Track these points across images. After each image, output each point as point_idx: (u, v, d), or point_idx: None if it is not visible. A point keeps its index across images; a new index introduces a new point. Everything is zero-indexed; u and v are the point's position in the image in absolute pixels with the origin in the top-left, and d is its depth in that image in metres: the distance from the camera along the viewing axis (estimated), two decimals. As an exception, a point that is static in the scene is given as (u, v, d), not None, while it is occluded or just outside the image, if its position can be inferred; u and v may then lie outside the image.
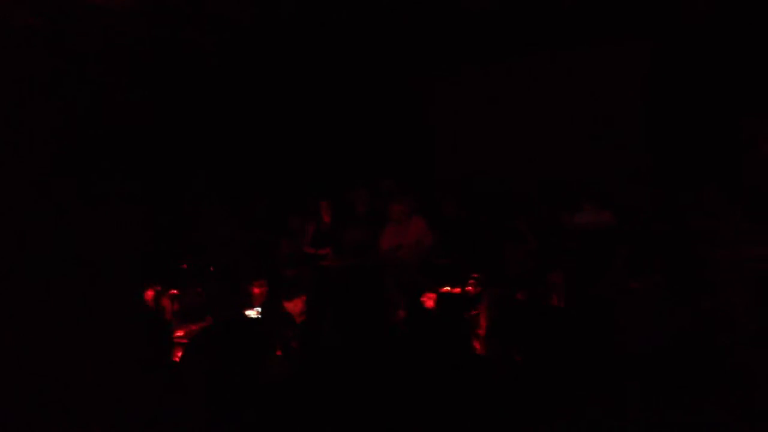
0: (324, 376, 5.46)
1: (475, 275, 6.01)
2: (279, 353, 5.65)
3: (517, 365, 4.95)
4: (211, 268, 6.71)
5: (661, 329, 4.93)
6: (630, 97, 7.83)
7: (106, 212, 7.36)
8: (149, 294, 5.88)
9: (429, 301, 5.92)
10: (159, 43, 7.56)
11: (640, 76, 7.75)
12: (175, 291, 6.27)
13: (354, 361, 5.68)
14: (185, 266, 6.84)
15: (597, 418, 4.35)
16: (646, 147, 7.62)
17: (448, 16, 7.34)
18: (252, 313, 6.00)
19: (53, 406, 4.30)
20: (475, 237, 6.94)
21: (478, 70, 8.51)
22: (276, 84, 8.63)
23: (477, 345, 5.40)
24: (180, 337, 5.88)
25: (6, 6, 6.07)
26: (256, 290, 6.16)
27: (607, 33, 7.58)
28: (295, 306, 6.27)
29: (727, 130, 6.80)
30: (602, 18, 7.23)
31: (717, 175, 6.41)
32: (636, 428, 4.23)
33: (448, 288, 5.96)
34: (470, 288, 5.92)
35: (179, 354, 5.56)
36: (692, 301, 5.12)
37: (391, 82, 8.74)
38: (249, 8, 6.89)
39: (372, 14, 7.14)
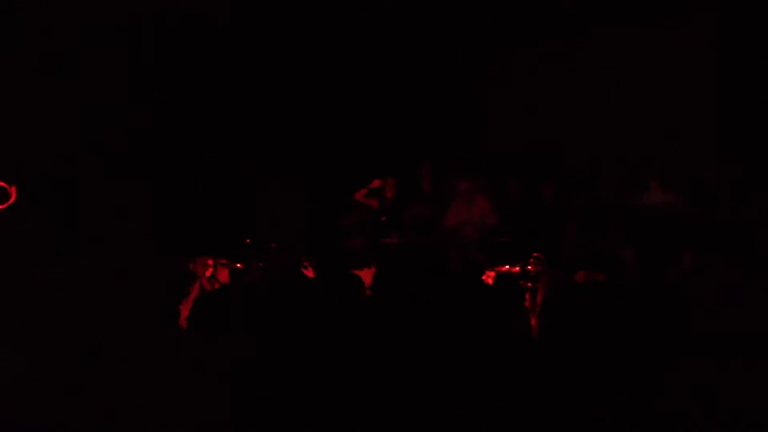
0: (384, 351, 5.50)
1: (536, 254, 5.92)
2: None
3: (570, 347, 4.86)
4: (273, 245, 6.81)
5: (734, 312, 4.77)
6: (698, 73, 7.49)
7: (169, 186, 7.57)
8: (210, 269, 5.99)
9: (489, 279, 5.87)
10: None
11: (708, 49, 7.40)
12: (239, 265, 6.39)
13: (414, 337, 5.69)
14: (248, 241, 6.96)
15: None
16: (715, 126, 7.31)
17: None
18: None
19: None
20: (537, 216, 6.84)
21: (540, 44, 8.29)
22: (339, 60, 8.62)
23: (534, 324, 5.34)
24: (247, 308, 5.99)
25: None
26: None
27: (671, 7, 7.30)
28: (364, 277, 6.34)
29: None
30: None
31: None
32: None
33: (508, 267, 5.89)
34: (530, 267, 5.84)
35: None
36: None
37: (454, 58, 8.62)
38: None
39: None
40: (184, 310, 5.70)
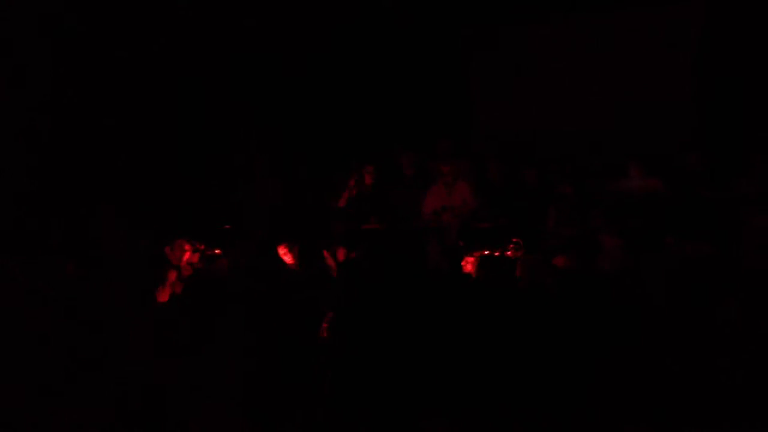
0: (364, 337, 5.48)
1: (516, 239, 5.92)
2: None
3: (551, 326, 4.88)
4: (259, 231, 6.79)
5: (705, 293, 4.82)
6: (680, 60, 7.55)
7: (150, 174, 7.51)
8: (187, 253, 5.93)
9: (468, 264, 5.87)
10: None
11: (691, 38, 7.47)
12: (218, 251, 6.35)
13: (393, 322, 5.68)
14: (228, 227, 6.91)
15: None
16: (695, 111, 7.38)
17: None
18: None
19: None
20: (518, 201, 6.84)
21: (524, 29, 8.31)
22: (320, 43, 8.56)
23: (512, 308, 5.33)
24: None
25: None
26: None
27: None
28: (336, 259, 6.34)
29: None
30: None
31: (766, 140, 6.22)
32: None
33: (488, 252, 5.88)
34: (510, 252, 5.84)
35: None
36: (738, 266, 5.00)
37: (437, 41, 8.59)
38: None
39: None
40: (162, 295, 5.65)
